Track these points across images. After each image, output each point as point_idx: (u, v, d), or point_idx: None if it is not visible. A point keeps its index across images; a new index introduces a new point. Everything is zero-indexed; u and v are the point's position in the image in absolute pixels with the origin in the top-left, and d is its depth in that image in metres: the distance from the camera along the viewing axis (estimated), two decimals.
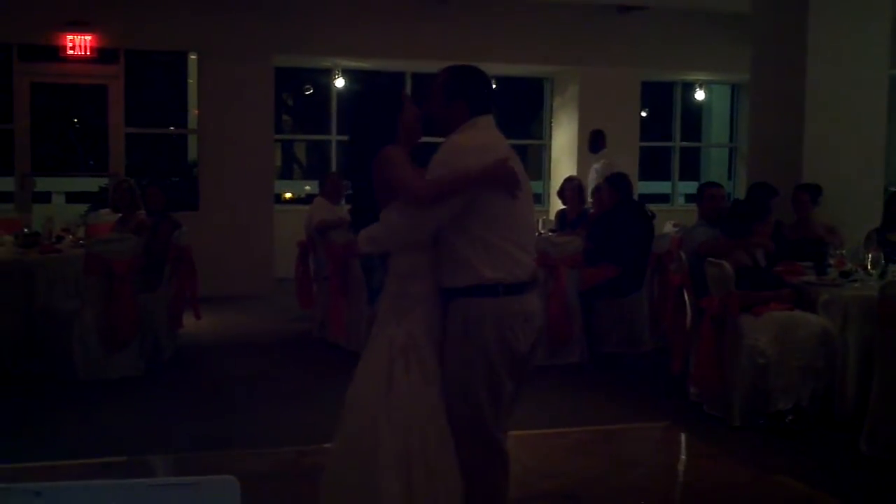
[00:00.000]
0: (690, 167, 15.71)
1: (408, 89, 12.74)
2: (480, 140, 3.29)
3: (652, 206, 8.57)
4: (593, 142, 11.38)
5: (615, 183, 8.14)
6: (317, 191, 9.40)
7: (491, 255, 3.20)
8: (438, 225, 3.23)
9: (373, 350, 3.29)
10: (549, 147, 13.83)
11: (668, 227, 9.83)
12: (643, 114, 14.18)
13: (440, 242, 3.26)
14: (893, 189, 11.12)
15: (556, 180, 11.85)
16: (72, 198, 15.70)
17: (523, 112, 15.32)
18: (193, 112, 12.59)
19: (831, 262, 6.52)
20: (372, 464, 3.11)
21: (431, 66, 12.58)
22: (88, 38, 10.88)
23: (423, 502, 3.12)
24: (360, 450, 3.16)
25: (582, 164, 12.58)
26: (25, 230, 7.96)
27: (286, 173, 17.78)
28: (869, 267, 6.31)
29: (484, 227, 3.20)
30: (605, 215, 8.08)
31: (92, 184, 13.49)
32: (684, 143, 14.63)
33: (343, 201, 9.16)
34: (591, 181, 10.68)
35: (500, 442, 3.30)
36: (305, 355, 8.03)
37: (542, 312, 3.40)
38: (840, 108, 8.24)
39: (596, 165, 11.09)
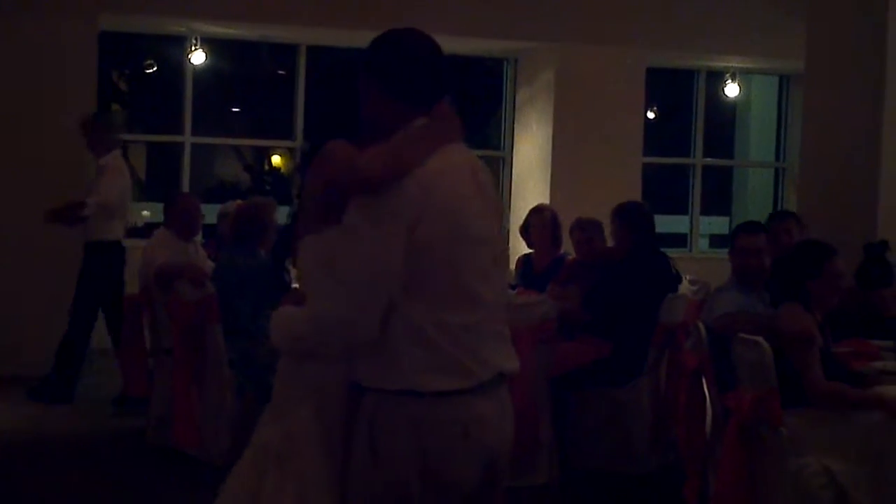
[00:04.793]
0: (718, 196, 15.89)
1: (300, 68, 12.80)
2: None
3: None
4: None
5: (629, 218, 8.20)
6: (159, 218, 9.32)
7: (438, 349, 3.16)
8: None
9: (243, 461, 3.33)
10: (508, 161, 13.90)
11: (685, 286, 9.91)
12: (649, 115, 14.35)
13: None
14: None
15: (519, 212, 11.92)
16: None
17: (472, 109, 15.41)
18: None
19: None
20: None
21: (336, 38, 12.65)
22: None
23: None
24: None
25: (557, 186, 12.67)
26: None
27: None
28: None
29: (431, 297, 3.18)
30: (615, 267, 8.13)
31: None
32: (709, 160, 14.81)
33: (199, 236, 9.10)
34: None
35: None
36: (134, 469, 7.94)
37: (504, 419, 3.36)
38: None
39: None
